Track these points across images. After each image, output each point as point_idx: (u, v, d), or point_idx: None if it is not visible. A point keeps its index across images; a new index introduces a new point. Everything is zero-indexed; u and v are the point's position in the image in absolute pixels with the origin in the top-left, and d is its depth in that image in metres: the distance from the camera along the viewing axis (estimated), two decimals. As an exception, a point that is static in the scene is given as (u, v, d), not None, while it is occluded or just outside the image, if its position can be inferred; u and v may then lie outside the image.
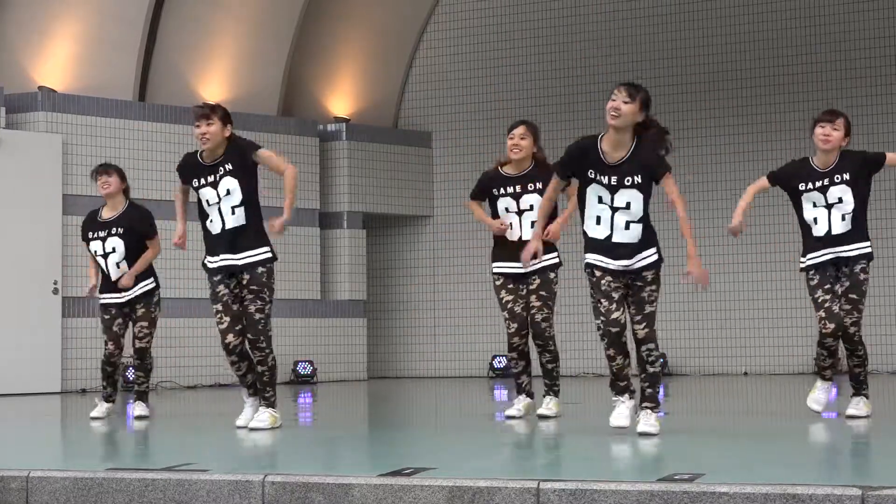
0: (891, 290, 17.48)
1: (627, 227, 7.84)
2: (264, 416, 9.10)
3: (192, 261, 17.15)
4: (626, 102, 7.86)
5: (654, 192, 7.92)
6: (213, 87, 18.01)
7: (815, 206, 9.09)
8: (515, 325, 9.54)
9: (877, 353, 17.47)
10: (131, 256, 10.59)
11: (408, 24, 19.89)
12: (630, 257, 7.87)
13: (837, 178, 9.10)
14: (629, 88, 7.88)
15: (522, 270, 9.34)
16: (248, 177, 9.05)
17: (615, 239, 7.87)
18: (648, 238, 7.93)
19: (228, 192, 9.00)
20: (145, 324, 10.62)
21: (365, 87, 19.73)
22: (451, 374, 19.06)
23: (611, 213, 7.86)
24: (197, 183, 9.09)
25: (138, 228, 10.62)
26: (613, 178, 7.82)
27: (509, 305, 9.51)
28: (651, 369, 7.97)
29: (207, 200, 9.03)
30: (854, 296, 9.09)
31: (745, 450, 7.37)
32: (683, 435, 8.51)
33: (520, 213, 9.60)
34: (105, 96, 16.79)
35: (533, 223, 9.35)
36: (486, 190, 9.70)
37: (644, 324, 7.89)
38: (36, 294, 15.75)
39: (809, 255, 9.12)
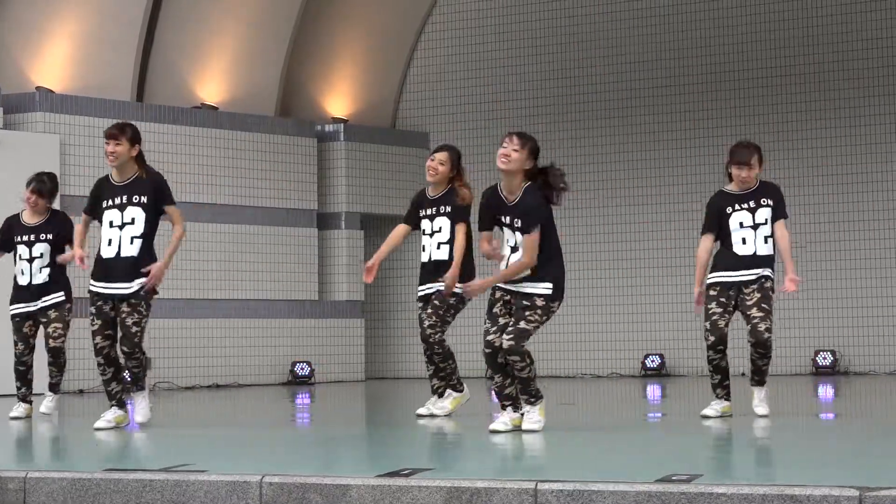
0: (891, 292, 17.49)
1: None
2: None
3: (188, 261, 17.15)
4: (515, 150, 8.35)
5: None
6: (211, 88, 18.01)
7: (741, 226, 9.52)
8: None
9: (877, 354, 17.48)
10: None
11: (406, 24, 19.89)
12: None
13: (763, 202, 9.55)
14: (520, 137, 8.40)
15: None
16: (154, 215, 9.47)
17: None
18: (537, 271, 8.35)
19: (133, 221, 9.34)
20: (59, 325, 10.82)
21: (363, 88, 19.73)
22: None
23: (510, 253, 8.44)
24: (106, 203, 9.35)
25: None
26: (508, 219, 8.45)
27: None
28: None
29: (111, 222, 9.23)
30: (766, 305, 9.50)
31: (742, 450, 7.38)
32: (681, 436, 8.51)
33: (431, 234, 10.21)
34: (103, 96, 16.79)
35: (439, 245, 10.16)
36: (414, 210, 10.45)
37: None
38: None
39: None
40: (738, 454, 7.13)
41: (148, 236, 9.34)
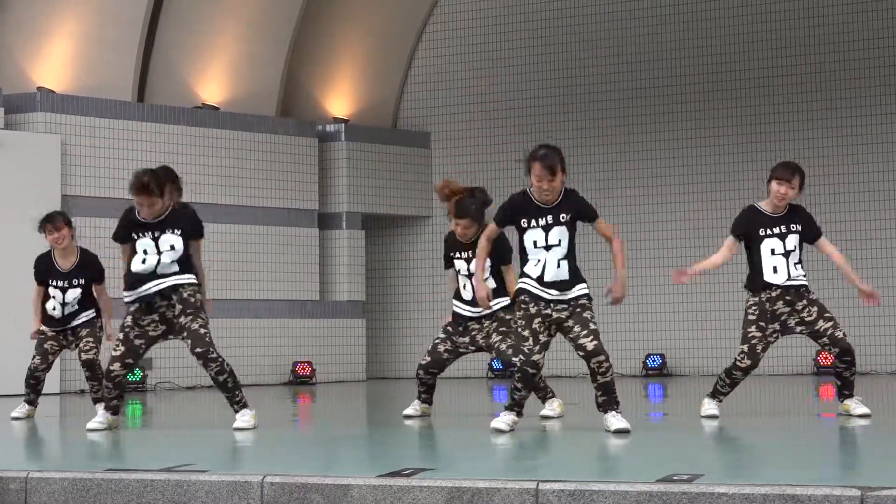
0: (891, 291, 17.48)
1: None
2: (247, 417, 9.35)
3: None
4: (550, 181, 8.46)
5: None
6: (212, 88, 18.01)
7: (773, 253, 9.45)
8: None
9: (877, 354, 17.48)
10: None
11: (406, 24, 19.89)
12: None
13: (793, 227, 9.50)
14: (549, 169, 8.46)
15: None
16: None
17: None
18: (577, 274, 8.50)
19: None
20: (91, 339, 10.82)
21: (364, 88, 19.73)
22: (450, 374, 19.02)
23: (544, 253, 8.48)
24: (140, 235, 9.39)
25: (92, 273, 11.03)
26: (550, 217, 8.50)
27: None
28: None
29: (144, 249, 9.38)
30: (828, 313, 9.38)
31: (743, 450, 7.38)
32: (682, 435, 8.51)
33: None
34: (104, 97, 16.79)
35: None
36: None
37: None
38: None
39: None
40: (739, 454, 7.12)
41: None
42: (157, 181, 9.11)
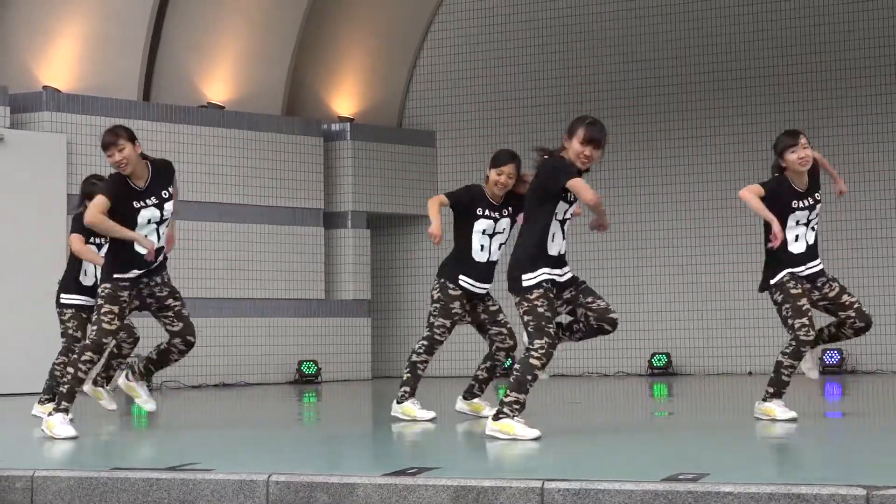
0: (891, 290, 17.47)
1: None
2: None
3: (195, 261, 17.17)
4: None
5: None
6: (218, 87, 18.02)
7: (797, 223, 9.29)
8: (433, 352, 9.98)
9: (879, 354, 17.46)
10: None
11: (412, 23, 19.89)
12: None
13: (818, 196, 9.38)
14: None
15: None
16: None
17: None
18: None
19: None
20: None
21: (369, 87, 19.74)
22: (455, 373, 19.04)
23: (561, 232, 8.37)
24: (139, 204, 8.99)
25: None
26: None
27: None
28: None
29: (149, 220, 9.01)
30: (848, 291, 9.32)
31: (749, 449, 7.37)
32: (688, 435, 8.51)
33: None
34: (109, 96, 16.80)
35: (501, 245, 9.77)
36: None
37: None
38: (40, 293, 15.74)
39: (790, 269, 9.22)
40: (744, 453, 7.12)
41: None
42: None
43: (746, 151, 18.19)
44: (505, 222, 9.72)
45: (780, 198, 9.22)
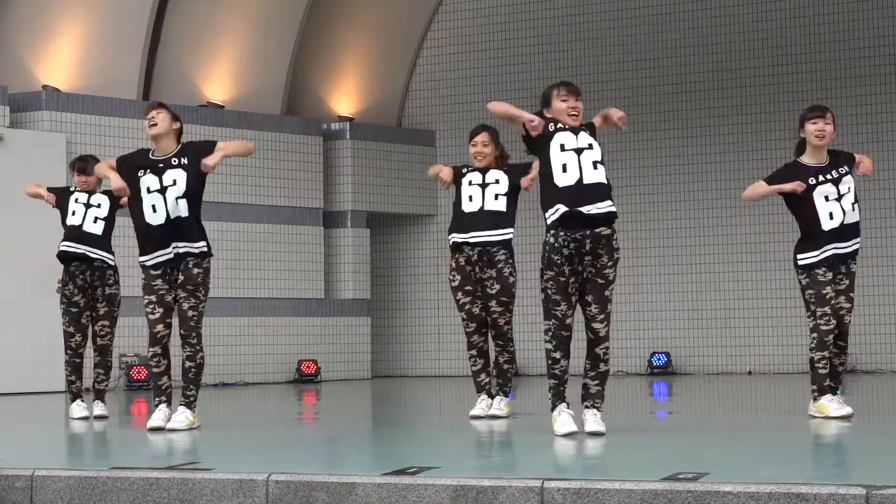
0: (891, 290, 17.47)
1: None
2: (181, 418, 9.13)
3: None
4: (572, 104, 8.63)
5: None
6: (217, 86, 18.02)
7: (827, 199, 9.05)
8: (474, 325, 9.66)
9: (880, 353, 17.46)
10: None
11: (411, 23, 19.89)
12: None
13: (842, 170, 9.13)
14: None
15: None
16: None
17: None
18: None
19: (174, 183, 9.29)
20: (107, 322, 10.67)
21: (369, 86, 19.74)
22: (455, 372, 19.05)
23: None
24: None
25: None
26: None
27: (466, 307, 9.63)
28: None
29: (148, 188, 9.14)
30: (852, 294, 9.16)
31: (749, 449, 7.37)
32: (688, 434, 8.51)
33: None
34: (109, 95, 16.80)
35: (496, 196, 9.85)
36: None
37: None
38: (40, 292, 15.73)
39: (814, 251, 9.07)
40: (744, 452, 7.12)
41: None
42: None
43: (746, 151, 18.20)
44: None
45: (796, 181, 9.00)
